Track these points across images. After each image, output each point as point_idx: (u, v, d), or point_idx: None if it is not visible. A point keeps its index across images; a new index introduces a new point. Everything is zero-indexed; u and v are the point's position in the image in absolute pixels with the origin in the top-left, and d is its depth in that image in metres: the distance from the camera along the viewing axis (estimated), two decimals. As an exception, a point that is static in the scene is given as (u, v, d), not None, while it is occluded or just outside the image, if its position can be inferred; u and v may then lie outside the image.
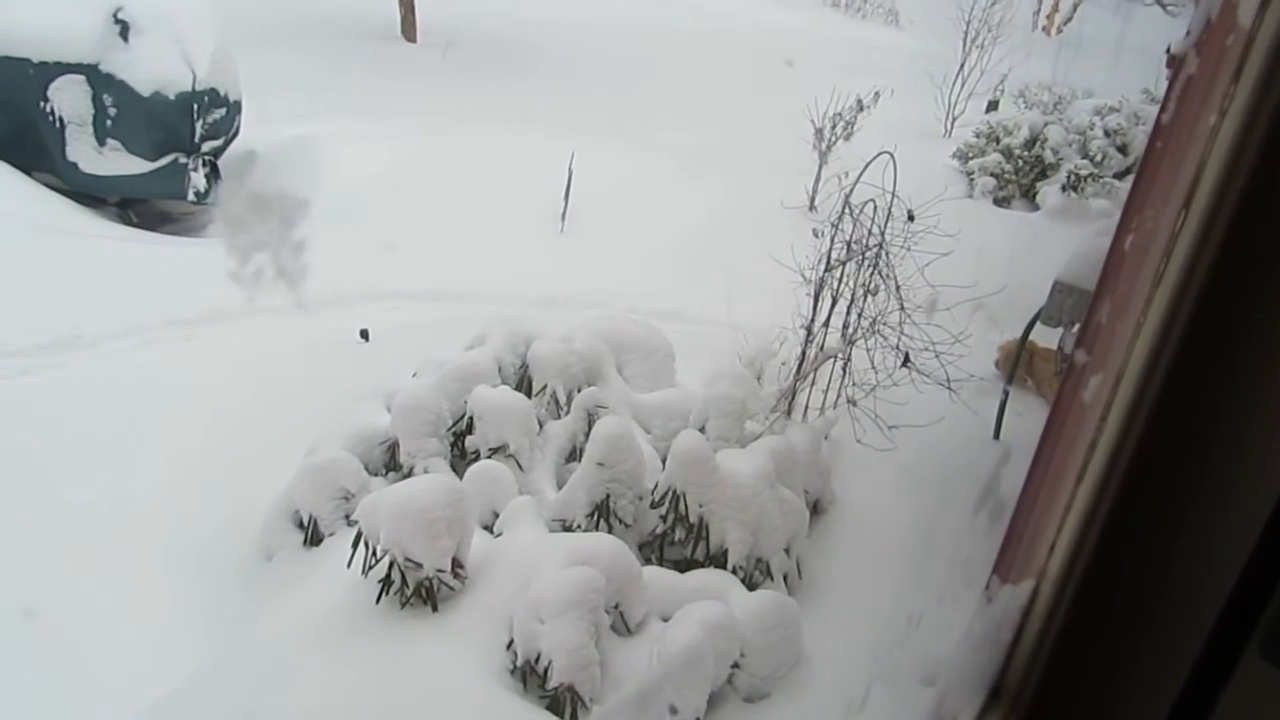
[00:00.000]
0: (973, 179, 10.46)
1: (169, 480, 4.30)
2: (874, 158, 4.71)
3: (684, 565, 3.64)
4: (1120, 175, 10.42)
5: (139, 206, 8.22)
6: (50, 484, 4.24)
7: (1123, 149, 10.69)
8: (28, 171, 7.58)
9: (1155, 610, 1.10)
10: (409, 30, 14.57)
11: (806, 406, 4.84)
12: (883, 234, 4.64)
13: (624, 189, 8.26)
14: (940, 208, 4.74)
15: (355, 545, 3.25)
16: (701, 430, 4.18)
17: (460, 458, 4.16)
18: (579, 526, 3.69)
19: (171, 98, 7.68)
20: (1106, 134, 10.66)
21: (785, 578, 3.77)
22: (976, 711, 1.21)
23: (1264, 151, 0.90)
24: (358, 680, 2.90)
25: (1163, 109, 0.98)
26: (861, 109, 9.16)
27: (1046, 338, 5.39)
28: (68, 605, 3.61)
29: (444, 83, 12.24)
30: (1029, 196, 10.40)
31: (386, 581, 3.15)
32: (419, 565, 3.06)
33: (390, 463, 4.15)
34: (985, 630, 1.19)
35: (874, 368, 4.63)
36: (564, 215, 7.69)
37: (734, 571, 3.57)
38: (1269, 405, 0.98)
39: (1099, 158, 10.34)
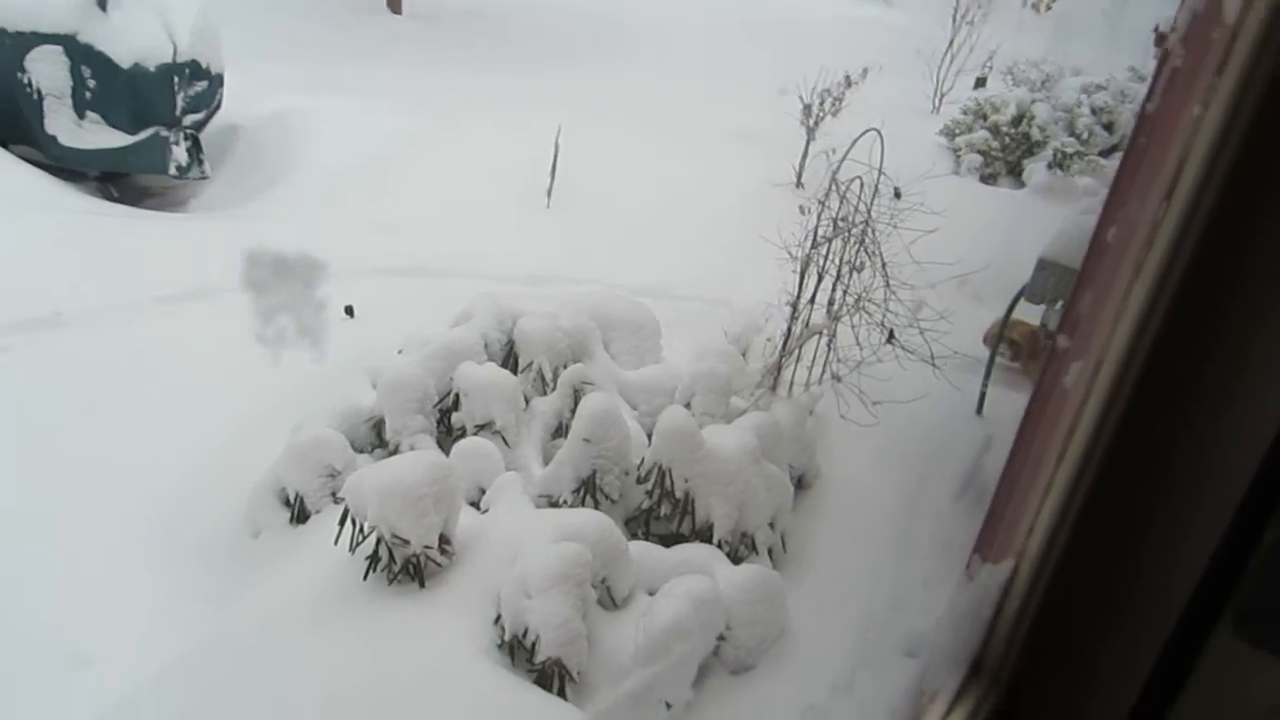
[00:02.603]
0: (959, 156, 10.45)
1: (154, 457, 4.29)
2: (861, 134, 4.71)
3: (670, 540, 3.67)
4: (1106, 153, 10.44)
5: (120, 181, 8.12)
6: (33, 463, 4.22)
7: (1109, 127, 10.70)
8: (5, 144, 7.47)
9: (1131, 589, 1.13)
10: (394, 3, 14.41)
11: (792, 382, 4.87)
12: (869, 211, 4.66)
13: (612, 165, 8.23)
14: (927, 184, 4.77)
15: (342, 522, 3.26)
16: (687, 406, 4.21)
17: (447, 434, 4.16)
18: (565, 502, 3.72)
19: (152, 69, 7.57)
20: (1093, 112, 10.67)
21: (770, 551, 3.81)
22: (958, 685, 1.24)
23: (1245, 143, 0.92)
24: (347, 655, 2.92)
25: (1148, 100, 0.99)
26: (849, 85, 9.14)
27: (1033, 315, 5.43)
28: (58, 583, 3.62)
29: (430, 56, 12.13)
30: (1015, 174, 10.39)
31: (374, 558, 3.16)
32: (406, 542, 3.07)
33: (377, 440, 4.15)
34: (966, 607, 1.21)
35: (859, 344, 4.67)
36: (550, 191, 7.66)
37: (719, 546, 3.60)
38: (1244, 393, 1.00)
39: (1085, 135, 10.35)
